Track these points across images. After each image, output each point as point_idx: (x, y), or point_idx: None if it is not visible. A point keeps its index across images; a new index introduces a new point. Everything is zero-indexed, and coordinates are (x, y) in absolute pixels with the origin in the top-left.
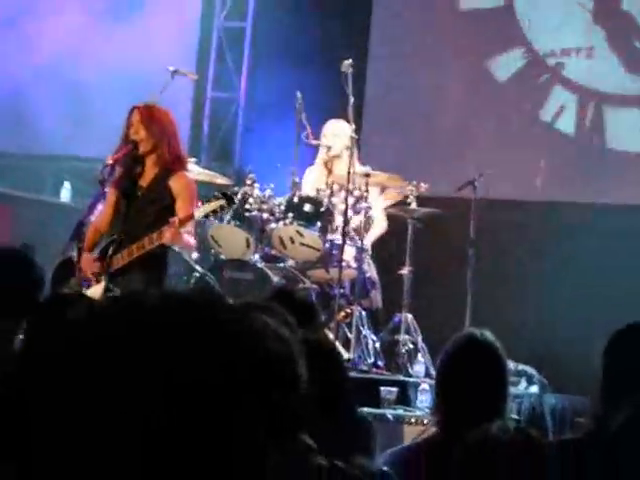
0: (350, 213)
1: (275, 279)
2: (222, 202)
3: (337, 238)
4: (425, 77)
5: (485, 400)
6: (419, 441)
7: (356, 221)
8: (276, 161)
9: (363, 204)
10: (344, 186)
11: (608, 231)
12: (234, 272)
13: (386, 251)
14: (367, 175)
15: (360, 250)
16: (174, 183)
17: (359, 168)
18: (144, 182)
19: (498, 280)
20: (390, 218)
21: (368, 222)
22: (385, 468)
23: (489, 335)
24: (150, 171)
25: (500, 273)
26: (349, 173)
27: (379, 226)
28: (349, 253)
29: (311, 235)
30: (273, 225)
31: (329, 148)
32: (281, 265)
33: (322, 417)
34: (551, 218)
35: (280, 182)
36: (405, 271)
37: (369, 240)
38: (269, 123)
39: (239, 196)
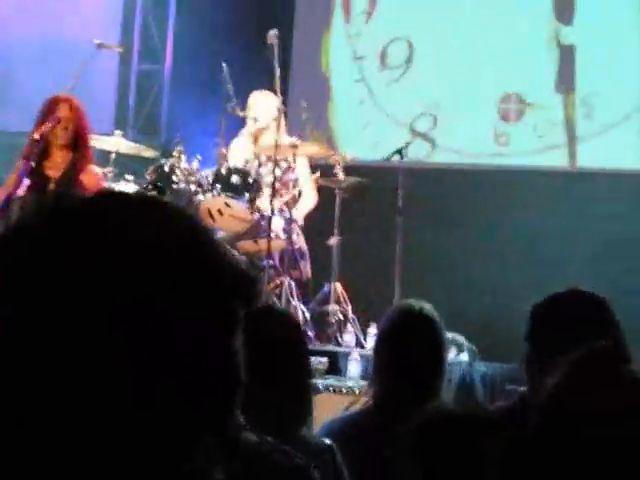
0: (278, 184)
1: None
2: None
3: (266, 209)
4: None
5: (422, 375)
6: (356, 412)
7: (284, 192)
8: (203, 133)
9: (291, 175)
10: (271, 157)
11: (533, 195)
12: None
13: (314, 221)
14: (294, 146)
15: (289, 221)
16: (86, 178)
17: (286, 139)
18: (54, 174)
19: (426, 249)
20: (317, 188)
21: (296, 193)
22: (328, 441)
23: (428, 308)
24: (61, 165)
25: (427, 242)
26: (276, 144)
27: (309, 199)
28: (278, 224)
29: (239, 206)
30: (201, 197)
31: (256, 119)
32: None
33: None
34: (473, 187)
35: (207, 153)
36: (334, 241)
37: (300, 213)
38: (195, 95)
39: (166, 168)
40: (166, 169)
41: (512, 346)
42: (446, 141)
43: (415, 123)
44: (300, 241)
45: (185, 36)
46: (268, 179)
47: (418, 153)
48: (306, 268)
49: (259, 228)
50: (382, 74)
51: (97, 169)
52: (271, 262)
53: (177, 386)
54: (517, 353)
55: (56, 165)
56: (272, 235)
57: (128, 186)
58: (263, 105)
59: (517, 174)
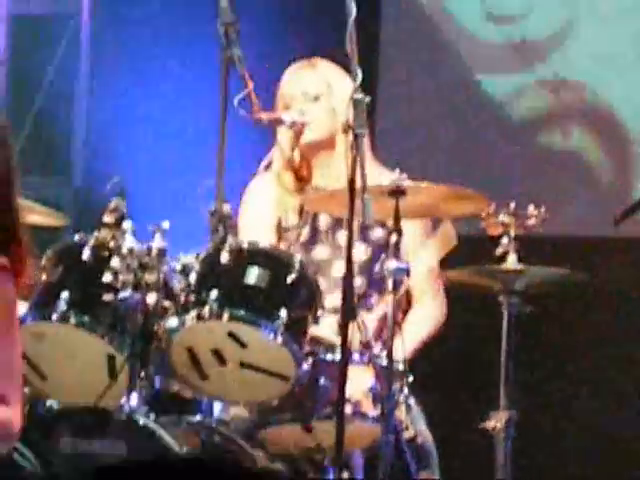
0: (359, 282)
1: (182, 455)
2: None
3: (328, 345)
4: None
5: None
6: None
7: (377, 302)
8: (174, 166)
9: (393, 262)
10: (340, 220)
11: None
12: (82, 441)
13: (449, 371)
14: (399, 190)
15: (387, 374)
16: None
17: (378, 173)
18: None
19: None
20: (458, 292)
21: (403, 302)
22: None
23: None
24: None
25: None
26: (352, 184)
27: (431, 313)
28: (359, 382)
29: (266, 342)
30: (173, 321)
31: (300, 126)
32: (195, 420)
33: None
34: None
35: (186, 215)
36: (497, 423)
37: (407, 350)
38: (149, 74)
39: (85, 255)
40: (85, 256)
41: None
42: None
43: None
44: (415, 422)
45: None
46: (335, 272)
47: None
48: None
49: (314, 394)
50: None
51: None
52: (347, 476)
53: None
54: None
55: None
56: (348, 411)
57: None
58: (317, 92)
59: None
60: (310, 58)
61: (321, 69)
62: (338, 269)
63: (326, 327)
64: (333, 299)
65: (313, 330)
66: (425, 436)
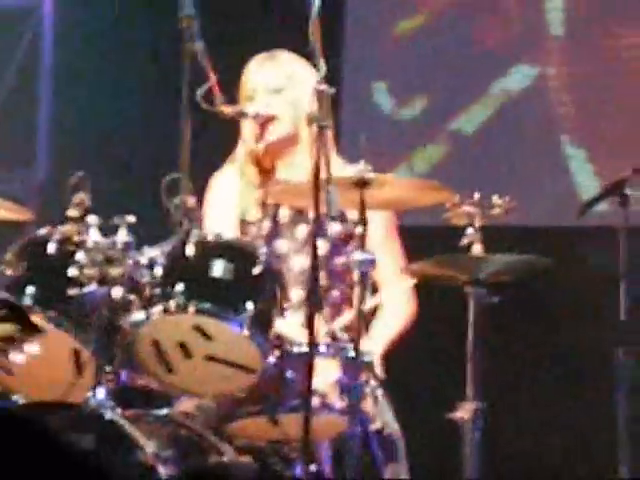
0: (323, 277)
1: (149, 448)
2: (9, 327)
3: (293, 339)
4: None
5: None
6: None
7: (338, 295)
8: (137, 160)
9: (357, 254)
10: (304, 213)
11: None
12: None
13: (417, 362)
14: (363, 181)
15: (354, 366)
16: None
17: (341, 165)
18: None
19: None
20: (423, 284)
21: (367, 294)
22: None
23: None
24: None
25: None
26: (317, 176)
27: (399, 309)
28: (326, 375)
29: (232, 335)
30: (139, 315)
31: (266, 118)
32: (162, 413)
33: None
34: None
35: (151, 209)
36: (464, 413)
37: (380, 345)
38: (112, 68)
39: (51, 249)
40: (50, 250)
41: None
42: None
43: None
44: (382, 414)
45: None
46: (294, 266)
47: None
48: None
49: (281, 385)
50: None
51: None
52: (314, 468)
53: None
54: None
55: None
56: (315, 403)
57: None
58: (279, 86)
59: None
60: (272, 50)
61: (282, 61)
62: (297, 263)
63: (288, 324)
64: (293, 294)
65: (276, 327)
66: (392, 427)
